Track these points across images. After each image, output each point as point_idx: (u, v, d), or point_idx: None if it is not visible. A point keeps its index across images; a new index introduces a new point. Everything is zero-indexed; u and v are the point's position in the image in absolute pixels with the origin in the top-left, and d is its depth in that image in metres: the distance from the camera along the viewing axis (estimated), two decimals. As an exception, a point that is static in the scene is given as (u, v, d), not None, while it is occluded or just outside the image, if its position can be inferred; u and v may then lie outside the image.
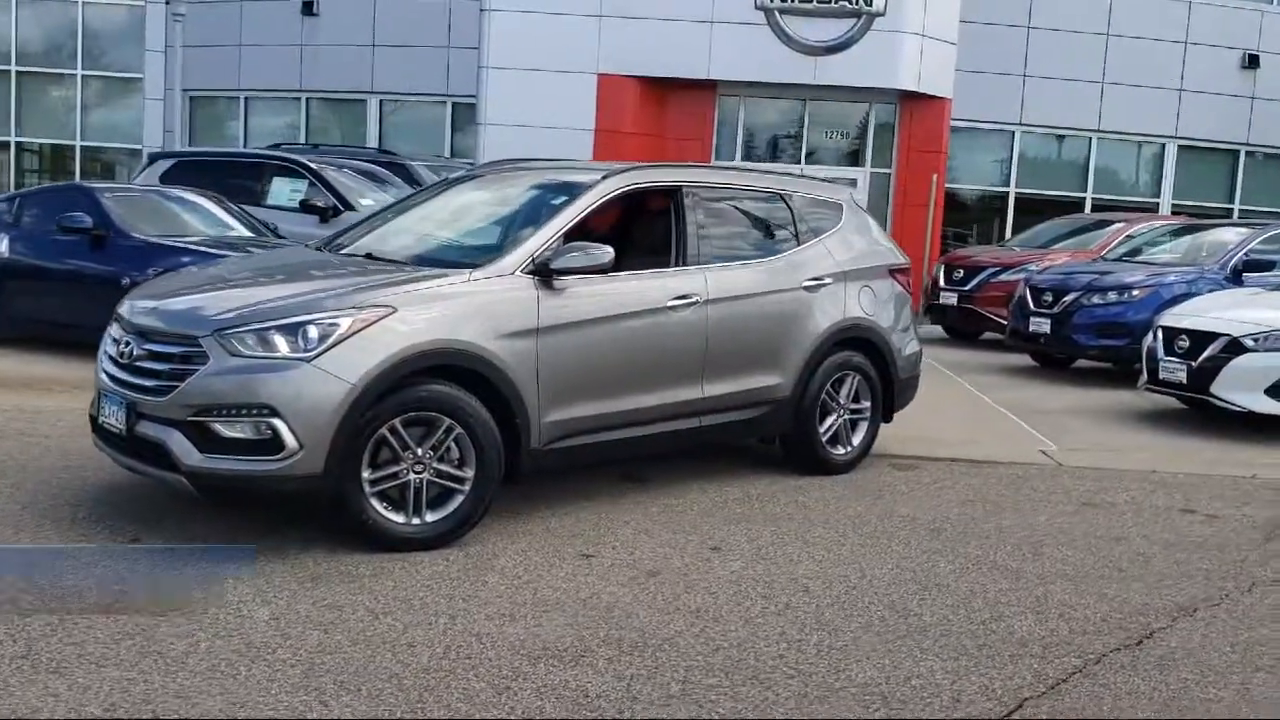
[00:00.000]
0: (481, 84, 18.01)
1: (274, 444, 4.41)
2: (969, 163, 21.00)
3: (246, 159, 12.58)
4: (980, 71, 19.16)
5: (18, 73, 26.87)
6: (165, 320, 4.76)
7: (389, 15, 21.87)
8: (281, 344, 4.48)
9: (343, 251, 5.71)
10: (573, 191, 5.55)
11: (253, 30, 23.28)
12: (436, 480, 4.77)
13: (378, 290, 4.76)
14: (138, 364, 4.71)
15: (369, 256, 5.50)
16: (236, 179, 11.51)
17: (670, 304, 5.59)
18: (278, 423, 4.39)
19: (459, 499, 4.81)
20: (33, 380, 8.08)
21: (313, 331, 4.49)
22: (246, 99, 24.12)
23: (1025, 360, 12.13)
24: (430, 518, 4.76)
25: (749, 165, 6.26)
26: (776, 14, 17.30)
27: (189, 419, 4.48)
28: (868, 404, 6.64)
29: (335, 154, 14.02)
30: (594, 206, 5.52)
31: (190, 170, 11.88)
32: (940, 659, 3.91)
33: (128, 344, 4.79)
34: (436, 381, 4.74)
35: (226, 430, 4.44)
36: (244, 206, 10.49)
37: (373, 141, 21.96)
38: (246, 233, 9.78)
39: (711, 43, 17.44)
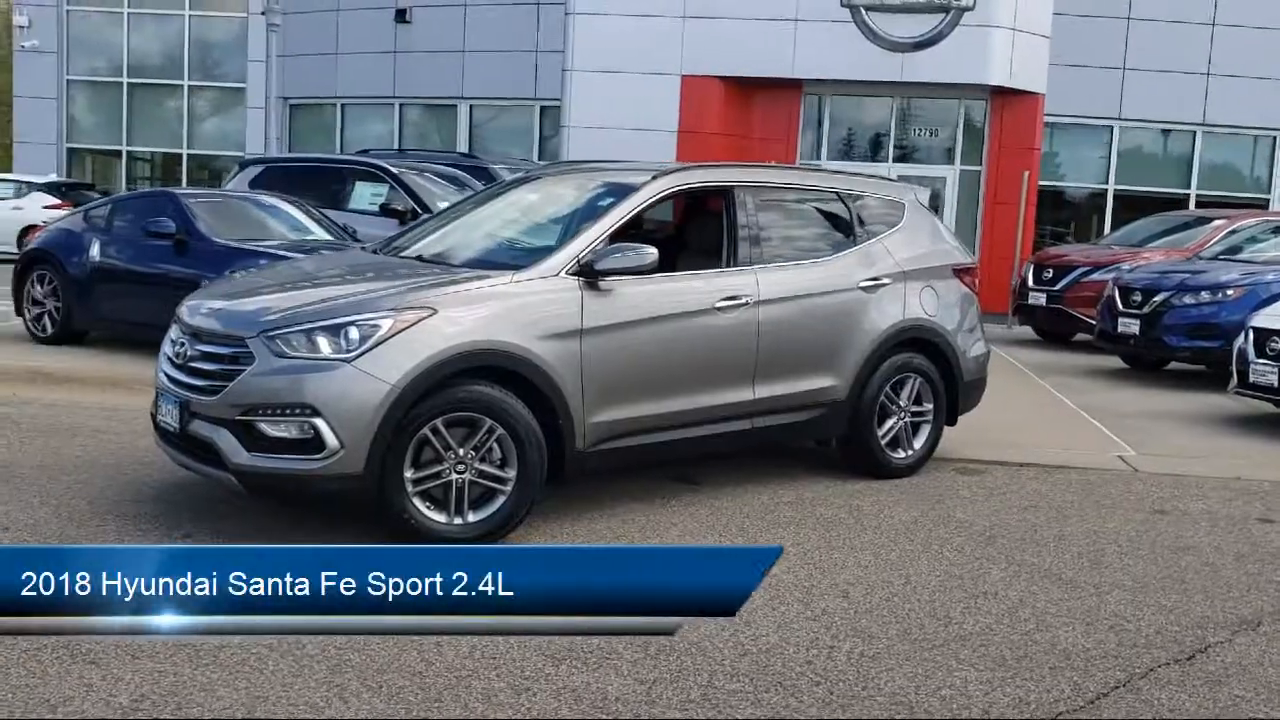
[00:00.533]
0: (566, 87, 18.16)
1: (316, 443, 4.49)
2: (1066, 159, 20.45)
3: (330, 164, 12.89)
4: (1077, 65, 18.64)
5: (129, 84, 28.00)
6: (216, 321, 4.89)
7: (479, 21, 22.16)
8: (324, 345, 4.57)
9: (397, 254, 5.79)
10: (621, 193, 5.54)
11: (349, 38, 23.82)
12: (479, 481, 4.80)
13: (420, 292, 4.82)
14: (191, 364, 4.85)
15: (419, 259, 5.57)
16: (320, 184, 11.80)
17: (719, 305, 5.54)
18: (319, 422, 4.47)
19: (501, 499, 4.83)
20: (117, 379, 8.38)
21: (354, 333, 4.56)
22: (343, 106, 24.69)
23: (1115, 363, 11.76)
24: (473, 518, 4.79)
25: (807, 165, 6.20)
26: (862, 10, 17.07)
27: (237, 418, 4.59)
28: (930, 407, 6.49)
29: (418, 158, 14.25)
30: (641, 207, 5.50)
31: (278, 175, 12.21)
32: (976, 669, 3.80)
33: (183, 344, 4.94)
34: (478, 382, 4.78)
35: (272, 429, 4.54)
36: (326, 210, 10.74)
37: (463, 146, 22.28)
38: (326, 236, 9.99)
39: (796, 41, 17.30)
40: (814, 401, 5.99)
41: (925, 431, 6.51)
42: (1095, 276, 12.97)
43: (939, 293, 6.51)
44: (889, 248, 6.37)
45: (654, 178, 5.65)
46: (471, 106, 22.98)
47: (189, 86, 27.81)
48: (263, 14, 18.03)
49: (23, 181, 21.85)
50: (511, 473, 4.83)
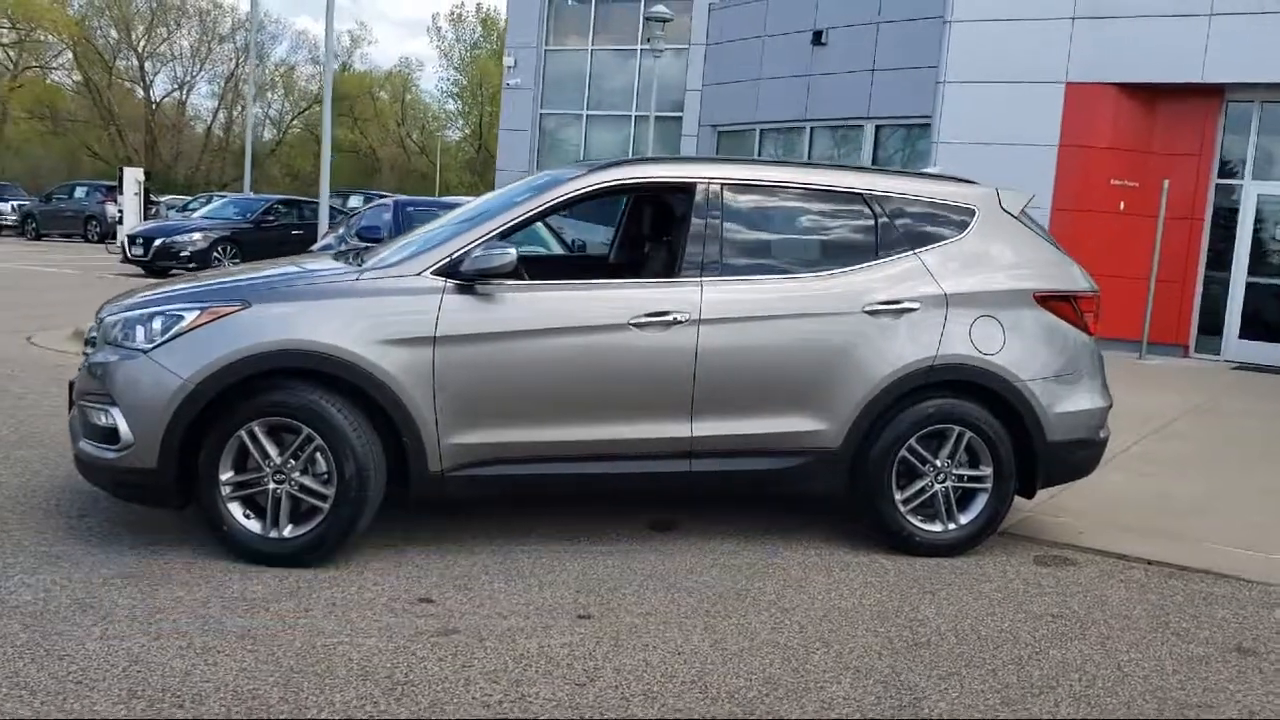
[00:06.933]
0: (938, 100, 16.82)
1: (114, 434, 4.40)
2: None
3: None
4: None
5: (588, 116, 30.42)
6: (108, 306, 4.97)
7: (888, 39, 21.23)
8: (139, 335, 4.46)
9: (363, 256, 5.55)
10: (541, 189, 4.90)
11: (770, 63, 23.96)
12: (301, 495, 4.44)
13: (240, 286, 4.56)
14: (85, 349, 4.97)
15: (348, 259, 5.29)
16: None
17: (636, 321, 4.68)
18: (115, 412, 4.38)
19: (320, 517, 4.44)
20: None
21: (157, 324, 4.42)
22: (760, 130, 24.84)
23: None
24: (289, 532, 4.45)
25: (832, 163, 4.97)
26: (1296, -2, 14.01)
27: (78, 403, 4.63)
28: (989, 470, 5.05)
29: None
30: (548, 206, 4.84)
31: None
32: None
33: (90, 328, 5.08)
34: (300, 386, 4.42)
35: (93, 417, 4.52)
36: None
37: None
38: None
39: (1209, 40, 14.59)
40: (788, 447, 4.88)
41: (980, 502, 5.08)
42: None
43: (1006, 325, 5.05)
44: (929, 264, 5.05)
45: (588, 172, 4.95)
46: (877, 127, 22.07)
47: (635, 117, 29.60)
48: (647, 41, 18.55)
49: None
50: (331, 490, 4.41)
